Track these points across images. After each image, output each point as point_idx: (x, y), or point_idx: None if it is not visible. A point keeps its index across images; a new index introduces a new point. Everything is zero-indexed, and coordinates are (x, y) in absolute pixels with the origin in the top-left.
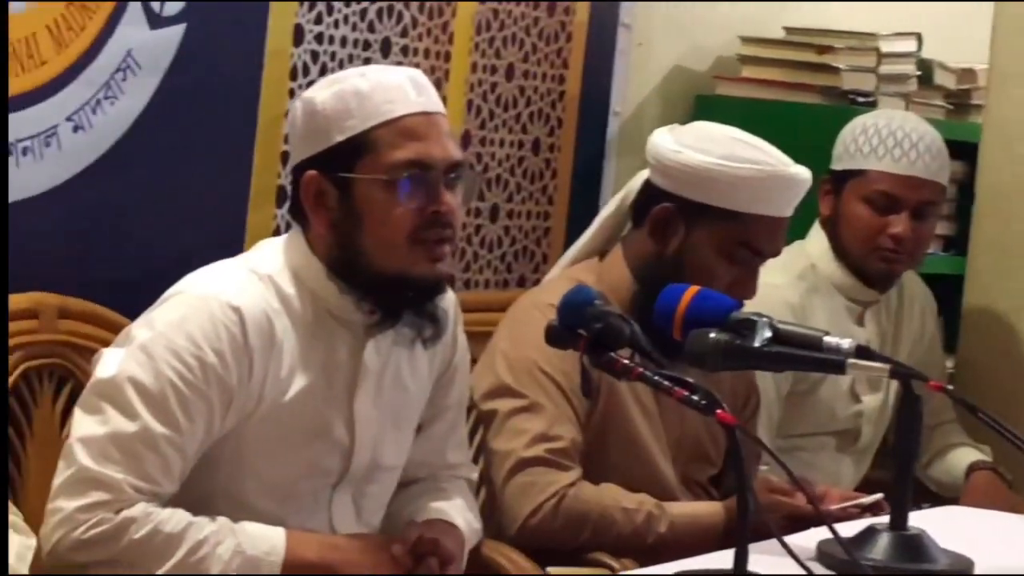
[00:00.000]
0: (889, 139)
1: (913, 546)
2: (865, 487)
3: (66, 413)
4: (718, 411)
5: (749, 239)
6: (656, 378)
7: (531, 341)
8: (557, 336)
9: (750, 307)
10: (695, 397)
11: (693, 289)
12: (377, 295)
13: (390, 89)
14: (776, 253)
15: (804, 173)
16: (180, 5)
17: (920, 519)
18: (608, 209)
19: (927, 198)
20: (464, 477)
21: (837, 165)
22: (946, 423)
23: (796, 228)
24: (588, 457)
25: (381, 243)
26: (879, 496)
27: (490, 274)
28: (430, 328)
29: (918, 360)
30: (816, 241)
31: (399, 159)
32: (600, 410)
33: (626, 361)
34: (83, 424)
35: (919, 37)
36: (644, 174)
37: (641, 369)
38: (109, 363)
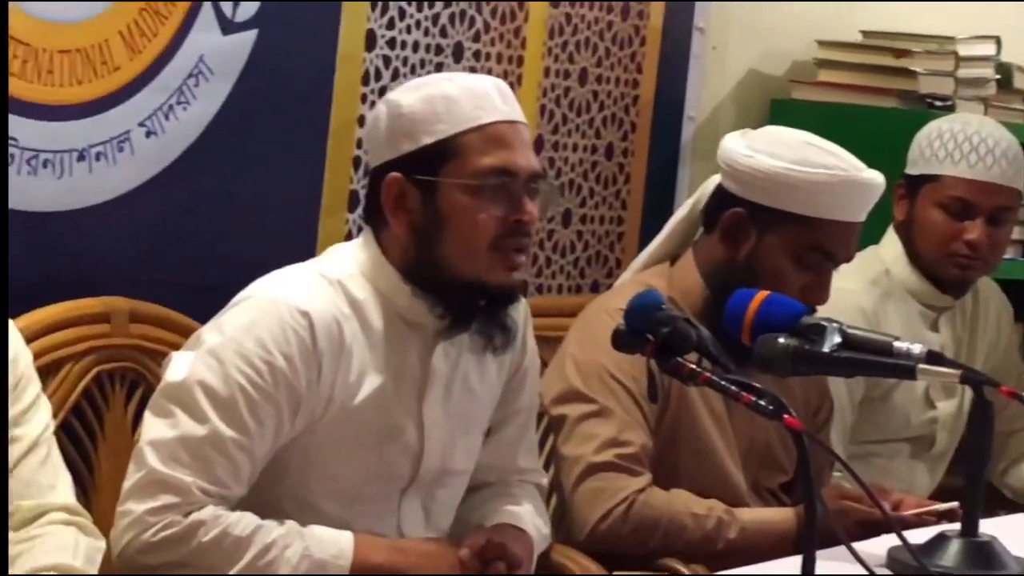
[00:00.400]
0: (965, 144)
1: (984, 553)
2: (940, 494)
3: (138, 416)
4: (785, 416)
5: (821, 244)
6: (723, 383)
7: (601, 346)
8: (624, 340)
9: (824, 313)
10: (762, 402)
11: (762, 294)
12: (451, 300)
13: (479, 95)
14: (849, 258)
15: (877, 178)
16: (252, 10)
17: (993, 526)
18: (680, 214)
19: (1003, 204)
20: (533, 482)
21: (912, 170)
22: (1022, 430)
23: (870, 232)
24: (658, 463)
25: (462, 248)
26: (954, 504)
27: (563, 279)
28: (500, 336)
29: (994, 366)
30: (890, 246)
31: (487, 165)
32: (670, 415)
33: (693, 366)
34: (153, 427)
35: (998, 40)
36: (716, 179)
37: (708, 374)
38: (179, 367)
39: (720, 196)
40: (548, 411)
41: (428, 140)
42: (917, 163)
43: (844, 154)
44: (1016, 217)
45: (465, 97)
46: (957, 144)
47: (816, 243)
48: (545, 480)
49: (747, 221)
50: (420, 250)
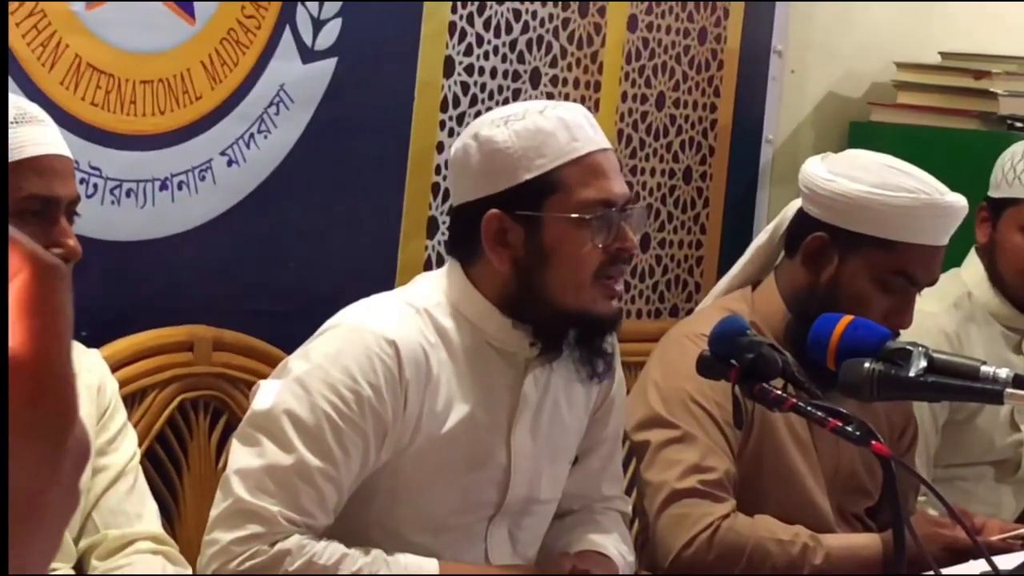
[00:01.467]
0: None
1: None
2: None
3: (221, 445)
4: (873, 442)
5: (904, 268)
6: (810, 409)
7: (683, 371)
8: (709, 366)
9: (906, 336)
10: (849, 428)
11: (847, 319)
12: (549, 330)
13: (573, 127)
14: (932, 282)
15: (960, 201)
16: (332, 38)
17: None
18: (761, 239)
19: None
20: (618, 509)
21: (995, 192)
22: None
23: (952, 255)
24: (743, 488)
25: (567, 281)
26: None
27: (642, 304)
28: (602, 364)
29: None
30: (972, 268)
31: (589, 198)
32: (754, 441)
33: (779, 392)
34: (240, 456)
35: None
36: (797, 203)
37: (795, 400)
38: (266, 395)
39: (801, 220)
40: (630, 436)
41: (528, 176)
42: (1000, 186)
43: (926, 177)
44: None
45: (560, 129)
46: None
47: (899, 267)
48: (629, 507)
49: (829, 245)
50: (521, 284)
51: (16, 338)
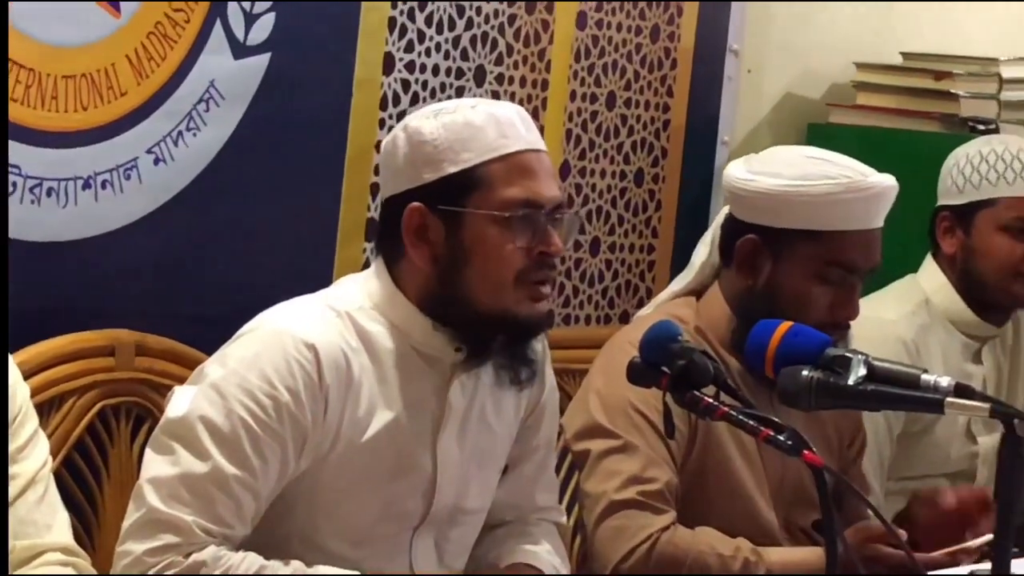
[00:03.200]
0: (1015, 163)
1: None
2: None
3: (143, 452)
4: (805, 452)
5: (838, 257)
6: (741, 418)
7: (625, 379)
8: (640, 373)
9: (863, 344)
10: (781, 437)
11: (785, 325)
12: (470, 333)
13: (503, 123)
14: (874, 266)
15: (886, 181)
16: (265, 33)
17: None
18: (700, 255)
19: None
20: (552, 520)
21: (956, 199)
22: None
23: (910, 262)
24: (685, 500)
25: (487, 281)
26: (988, 537)
27: (591, 309)
28: (526, 370)
29: None
30: (931, 275)
31: (513, 197)
32: (697, 450)
33: (710, 400)
34: (153, 465)
35: None
36: (726, 210)
37: (726, 409)
38: (180, 402)
39: (731, 225)
40: (571, 446)
41: (453, 169)
42: (964, 191)
43: (848, 161)
44: None
45: (490, 125)
46: (1007, 164)
47: (832, 257)
48: (564, 518)
49: (760, 247)
50: (442, 283)
51: None
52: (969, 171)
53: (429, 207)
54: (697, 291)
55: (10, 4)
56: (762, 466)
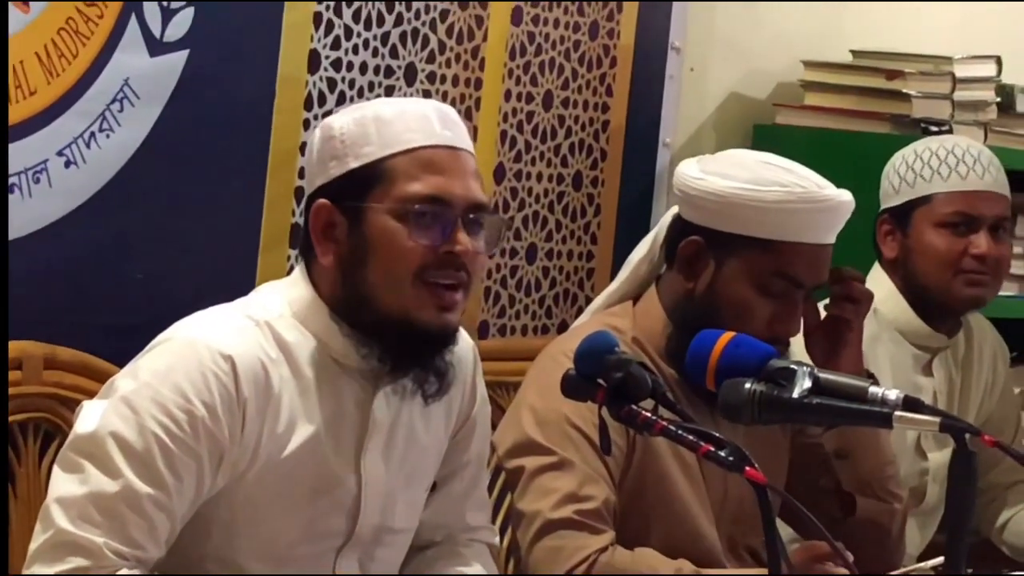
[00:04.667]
0: (949, 158)
1: None
2: (932, 552)
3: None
4: (747, 468)
5: (784, 269)
6: (680, 433)
7: (559, 393)
8: (574, 386)
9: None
10: (722, 453)
11: (727, 335)
12: (383, 341)
13: (414, 118)
14: (819, 283)
15: (842, 196)
16: (183, 30)
17: None
18: (640, 250)
19: (1001, 213)
20: (484, 541)
21: (894, 201)
22: (1022, 482)
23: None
24: (624, 519)
25: (386, 278)
26: (939, 560)
27: (528, 319)
28: (433, 382)
29: (988, 412)
30: (878, 284)
31: (414, 192)
32: (636, 467)
33: (648, 414)
34: (62, 483)
35: (999, 60)
36: (674, 210)
37: (665, 423)
38: (90, 417)
39: (677, 226)
40: (503, 464)
41: (355, 164)
42: (900, 191)
43: (805, 172)
44: (1013, 230)
45: (398, 119)
46: (941, 160)
47: (778, 268)
48: (497, 539)
49: (704, 249)
50: (346, 284)
51: None
52: (904, 170)
53: (335, 204)
54: (634, 295)
55: None
56: (704, 483)
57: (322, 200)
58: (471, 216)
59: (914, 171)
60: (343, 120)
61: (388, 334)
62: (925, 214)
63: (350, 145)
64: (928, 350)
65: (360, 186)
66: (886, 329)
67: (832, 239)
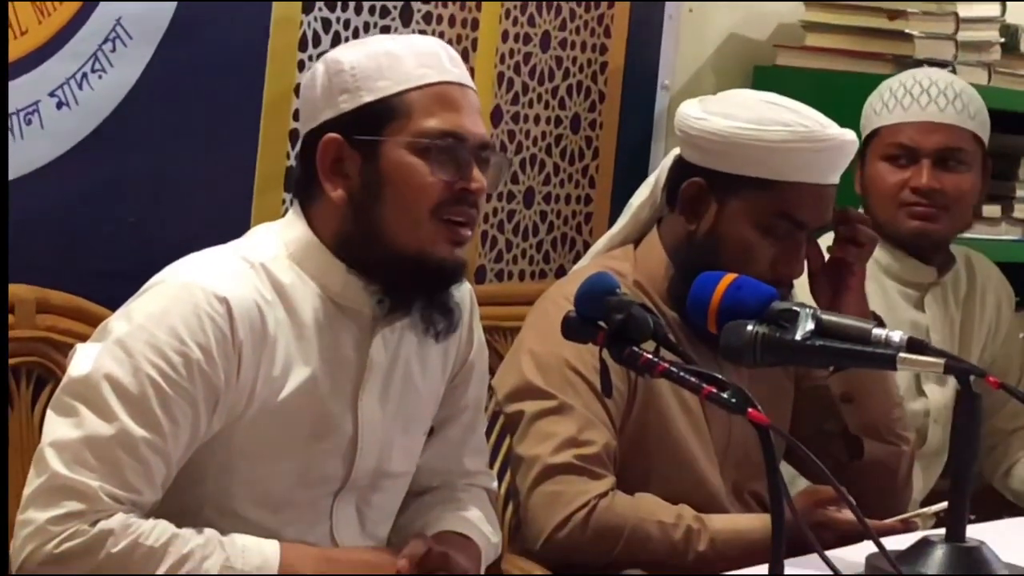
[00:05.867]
0: (900, 91)
1: (971, 559)
2: (935, 498)
3: (45, 417)
4: (750, 410)
5: (786, 210)
6: (682, 374)
7: (560, 336)
8: (575, 329)
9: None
10: (724, 394)
11: (729, 277)
12: (389, 278)
13: (425, 54)
14: (822, 224)
15: (845, 135)
16: None
17: (987, 531)
18: (642, 193)
19: (948, 144)
20: (482, 486)
21: (862, 136)
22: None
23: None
24: (625, 464)
25: (403, 214)
26: (942, 505)
27: (525, 264)
28: (442, 320)
29: (992, 355)
30: None
31: (433, 127)
32: (638, 411)
33: (650, 356)
34: (56, 427)
35: (1003, 0)
36: (676, 152)
37: (667, 365)
38: (84, 360)
39: (679, 167)
40: (503, 408)
41: (370, 98)
42: (864, 127)
43: (808, 111)
44: (975, 162)
45: (410, 55)
46: (893, 94)
47: (781, 209)
48: (495, 484)
49: (706, 190)
50: (357, 220)
51: None
52: (867, 107)
53: (346, 138)
54: (635, 238)
55: None
56: (707, 427)
57: (331, 134)
58: (481, 154)
59: (872, 107)
60: (353, 54)
61: (398, 270)
62: (874, 147)
63: (363, 79)
64: (916, 286)
65: (375, 120)
66: (871, 268)
67: (835, 179)
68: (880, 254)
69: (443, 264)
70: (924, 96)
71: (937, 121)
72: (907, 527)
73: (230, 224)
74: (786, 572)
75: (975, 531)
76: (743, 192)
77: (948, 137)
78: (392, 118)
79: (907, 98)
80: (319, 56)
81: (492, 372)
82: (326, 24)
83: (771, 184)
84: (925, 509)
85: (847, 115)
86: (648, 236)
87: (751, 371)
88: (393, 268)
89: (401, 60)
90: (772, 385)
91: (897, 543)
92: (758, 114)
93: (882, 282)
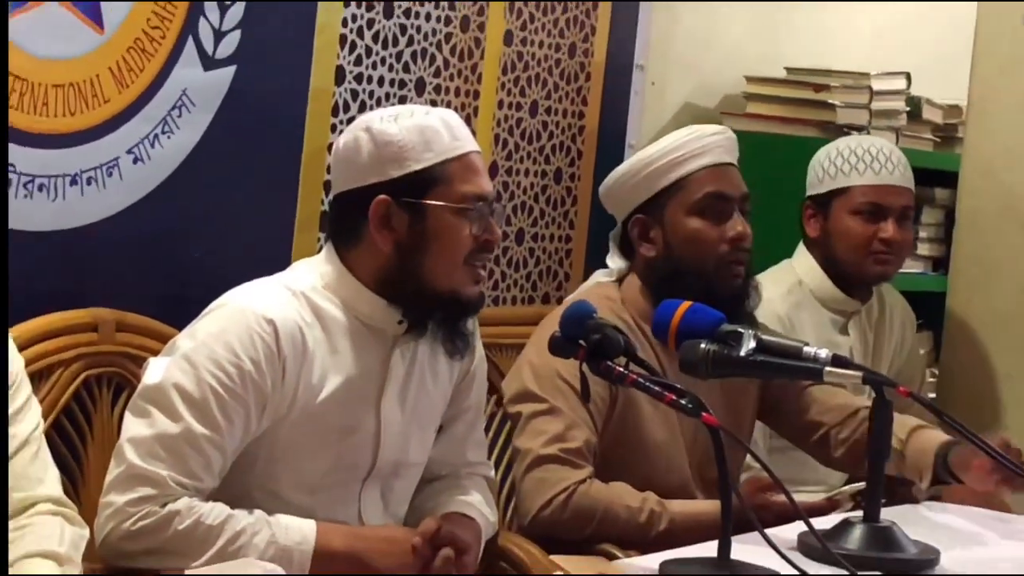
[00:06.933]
0: (866, 156)
1: (884, 537)
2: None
3: (122, 417)
4: (703, 414)
5: (707, 189)
6: (648, 384)
7: None
8: (560, 346)
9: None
10: (683, 401)
11: (685, 305)
12: (417, 308)
13: (454, 128)
14: (740, 191)
15: (719, 128)
16: (231, 48)
17: (890, 513)
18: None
19: (905, 203)
20: (481, 474)
21: (818, 189)
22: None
23: (787, 248)
24: (607, 458)
25: (443, 262)
26: (860, 486)
27: (516, 292)
28: (461, 342)
29: (898, 368)
30: (802, 260)
31: (468, 191)
32: (618, 415)
33: (621, 369)
34: (132, 426)
35: (908, 76)
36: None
37: (635, 376)
38: (155, 371)
39: (619, 228)
40: (506, 408)
41: (417, 167)
42: (823, 182)
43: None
44: (913, 217)
45: (443, 129)
46: (859, 158)
47: (704, 192)
48: (492, 472)
49: (645, 223)
50: (403, 264)
51: None
52: (827, 164)
53: (394, 199)
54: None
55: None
56: (679, 429)
57: (382, 196)
58: (493, 207)
59: (835, 165)
60: (396, 128)
61: (430, 303)
62: (844, 202)
63: (409, 151)
64: (843, 314)
65: (421, 186)
66: (808, 297)
67: (730, 160)
68: (817, 287)
69: (470, 300)
70: (888, 163)
71: (898, 184)
72: (832, 505)
73: (275, 258)
74: (732, 547)
75: (885, 513)
76: (669, 200)
77: (905, 198)
78: (435, 184)
79: (875, 163)
80: (348, 121)
81: (490, 380)
82: (354, 94)
83: (686, 181)
84: (845, 488)
85: (781, 172)
86: (629, 275)
87: (722, 382)
88: (425, 301)
89: (439, 134)
90: (740, 394)
91: (824, 523)
92: (641, 154)
93: (818, 310)
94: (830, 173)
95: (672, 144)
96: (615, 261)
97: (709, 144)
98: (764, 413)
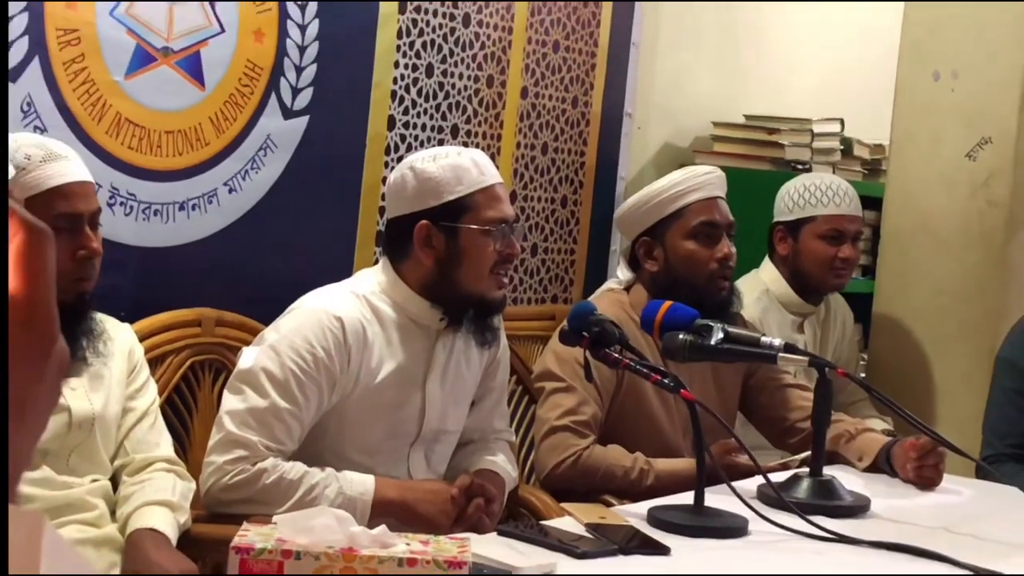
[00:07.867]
0: (828, 191)
1: (826, 488)
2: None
3: (222, 395)
4: (681, 391)
5: (702, 218)
6: (637, 367)
7: None
8: (567, 337)
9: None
10: (665, 380)
11: (667, 304)
12: (454, 308)
13: (481, 165)
14: (727, 219)
15: (710, 168)
16: (306, 102)
17: (830, 471)
18: (623, 274)
19: (858, 228)
20: (505, 439)
21: (788, 216)
22: (859, 401)
23: (755, 262)
24: (611, 430)
25: (473, 273)
26: (806, 454)
27: (531, 294)
28: (491, 335)
29: (840, 355)
30: (768, 271)
31: (493, 216)
32: (623, 394)
33: (616, 355)
34: (229, 402)
35: (842, 121)
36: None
37: (627, 360)
38: (247, 357)
39: (628, 248)
40: (533, 383)
41: (451, 197)
42: (792, 211)
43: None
44: (860, 237)
45: (472, 166)
46: (823, 192)
47: (698, 220)
48: (514, 437)
49: (649, 245)
50: (442, 275)
51: (14, 282)
52: (796, 196)
53: (433, 223)
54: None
55: (127, 80)
56: (675, 407)
57: (423, 221)
58: (513, 227)
59: (804, 198)
60: (434, 167)
61: (464, 305)
62: (811, 228)
63: (444, 185)
64: (801, 315)
65: (455, 212)
66: (773, 303)
67: (720, 194)
68: (782, 295)
69: (495, 302)
70: (846, 196)
71: (852, 213)
72: (785, 467)
73: (340, 269)
74: (705, 497)
75: (827, 471)
76: (670, 228)
77: (857, 224)
78: (466, 211)
79: (836, 197)
80: (398, 159)
81: (512, 364)
82: (402, 137)
83: (684, 210)
84: (794, 456)
85: (741, 199)
86: (635, 285)
87: (714, 367)
88: (460, 303)
89: (469, 171)
90: (726, 380)
91: (778, 478)
92: (647, 189)
93: (781, 313)
94: (799, 204)
95: (673, 181)
96: (624, 272)
97: (703, 181)
98: (743, 400)
